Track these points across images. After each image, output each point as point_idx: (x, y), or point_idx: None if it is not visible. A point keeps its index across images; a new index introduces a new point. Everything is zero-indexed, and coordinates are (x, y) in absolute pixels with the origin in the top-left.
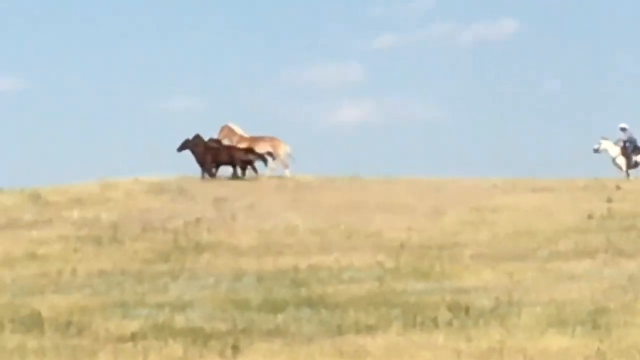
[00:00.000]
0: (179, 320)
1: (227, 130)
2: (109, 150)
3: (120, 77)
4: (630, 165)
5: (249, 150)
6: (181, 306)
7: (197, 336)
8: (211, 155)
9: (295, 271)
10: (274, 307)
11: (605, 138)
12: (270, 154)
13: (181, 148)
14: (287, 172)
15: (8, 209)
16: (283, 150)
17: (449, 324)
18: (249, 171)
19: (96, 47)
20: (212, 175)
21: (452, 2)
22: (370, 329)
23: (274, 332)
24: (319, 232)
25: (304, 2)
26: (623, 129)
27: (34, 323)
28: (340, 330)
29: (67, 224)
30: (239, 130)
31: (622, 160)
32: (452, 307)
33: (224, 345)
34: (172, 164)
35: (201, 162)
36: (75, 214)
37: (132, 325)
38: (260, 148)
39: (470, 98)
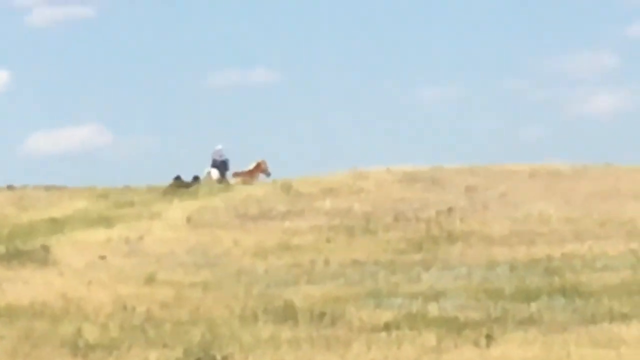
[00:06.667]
0: (433, 310)
1: None
2: (360, 141)
3: (380, 69)
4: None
5: None
6: (434, 296)
7: (451, 326)
8: None
9: (549, 260)
10: (527, 296)
11: None
12: None
13: None
14: None
15: (261, 200)
16: None
17: None
18: None
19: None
20: None
21: None
22: (624, 318)
23: (528, 321)
24: (572, 220)
25: None
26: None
27: (287, 313)
28: (594, 319)
29: (319, 214)
30: None
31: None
32: None
33: (478, 334)
34: (423, 154)
35: None
36: (328, 204)
37: (386, 315)
38: None
39: None
